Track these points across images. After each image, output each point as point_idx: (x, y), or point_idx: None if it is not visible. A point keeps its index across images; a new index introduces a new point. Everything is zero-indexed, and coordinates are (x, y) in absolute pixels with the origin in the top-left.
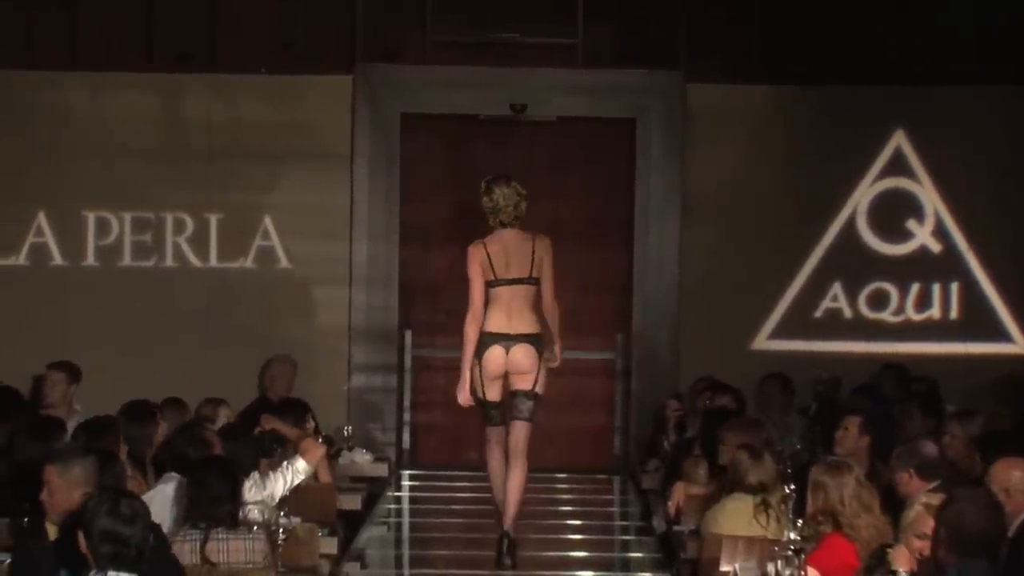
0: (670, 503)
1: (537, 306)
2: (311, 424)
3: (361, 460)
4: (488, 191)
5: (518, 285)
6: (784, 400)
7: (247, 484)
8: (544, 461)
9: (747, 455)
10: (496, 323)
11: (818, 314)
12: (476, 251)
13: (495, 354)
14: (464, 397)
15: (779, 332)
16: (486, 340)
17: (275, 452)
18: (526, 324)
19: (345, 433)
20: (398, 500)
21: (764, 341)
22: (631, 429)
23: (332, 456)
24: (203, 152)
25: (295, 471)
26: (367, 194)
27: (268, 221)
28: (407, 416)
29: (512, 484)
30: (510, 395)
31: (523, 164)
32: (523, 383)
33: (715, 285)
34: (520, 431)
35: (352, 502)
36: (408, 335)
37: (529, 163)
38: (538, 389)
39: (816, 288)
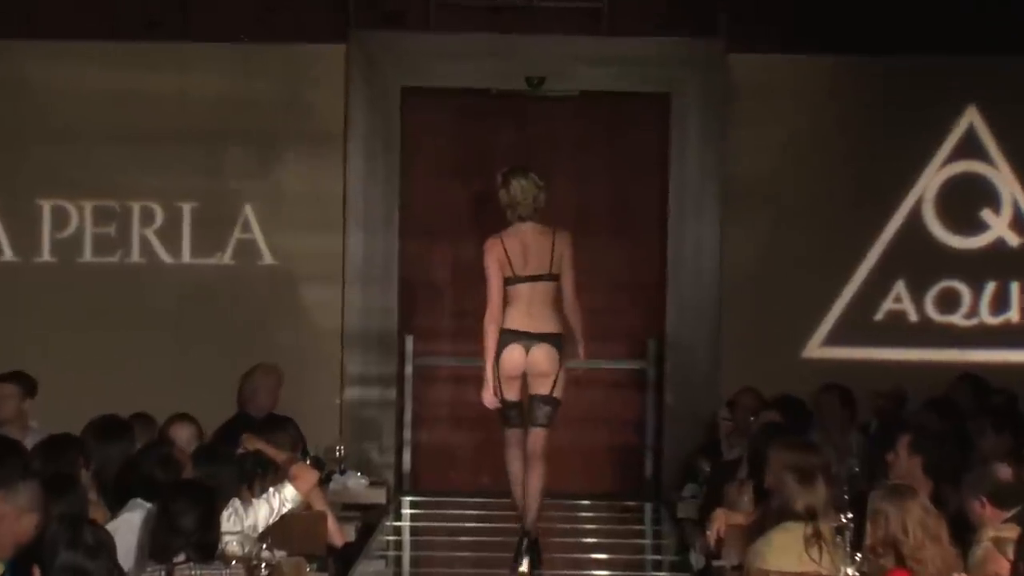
0: (709, 534)
1: (559, 305)
2: (298, 444)
3: (355, 485)
4: (505, 184)
5: (537, 282)
6: (843, 416)
7: (225, 512)
8: (565, 486)
9: (794, 477)
10: (517, 321)
11: (879, 317)
12: (493, 246)
13: (515, 353)
14: (489, 398)
15: (835, 338)
16: (505, 338)
17: (258, 476)
18: (548, 323)
19: (337, 454)
20: (397, 531)
21: (817, 348)
22: (664, 449)
23: (322, 480)
24: (175, 132)
25: (283, 499)
26: (363, 180)
27: (249, 211)
28: (408, 434)
29: (531, 489)
30: (528, 399)
31: (541, 145)
32: (542, 387)
33: (761, 284)
34: (539, 437)
35: (345, 533)
36: (409, 341)
37: (547, 144)
38: (556, 393)
39: (877, 287)
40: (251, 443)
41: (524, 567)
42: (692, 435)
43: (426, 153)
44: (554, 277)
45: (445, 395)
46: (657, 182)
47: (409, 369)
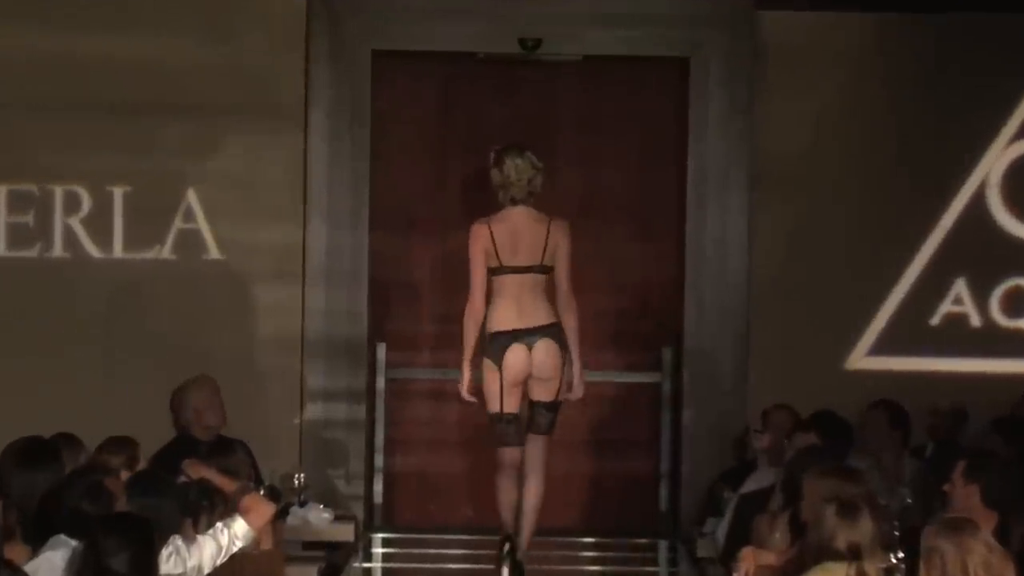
0: None
1: (551, 296)
2: (250, 471)
3: (318, 519)
4: (498, 162)
5: (527, 274)
6: (893, 438)
7: (164, 552)
8: (565, 521)
9: (834, 509)
10: (506, 319)
11: (935, 321)
12: (480, 231)
13: (518, 355)
14: (464, 392)
15: (883, 346)
16: (502, 340)
17: (204, 509)
18: (543, 314)
19: (296, 483)
20: (368, 573)
21: (863, 358)
22: (682, 477)
23: (278, 514)
24: (105, 103)
25: (232, 536)
26: (326, 161)
27: (192, 196)
28: (380, 460)
29: (529, 502)
30: (528, 405)
31: (537, 120)
32: (545, 393)
33: (796, 283)
34: (540, 446)
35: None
36: (381, 350)
37: (545, 119)
38: (560, 397)
39: (933, 287)
40: (195, 470)
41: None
42: (715, 460)
43: (401, 130)
44: (546, 270)
45: (423, 413)
46: (674, 163)
47: (381, 383)
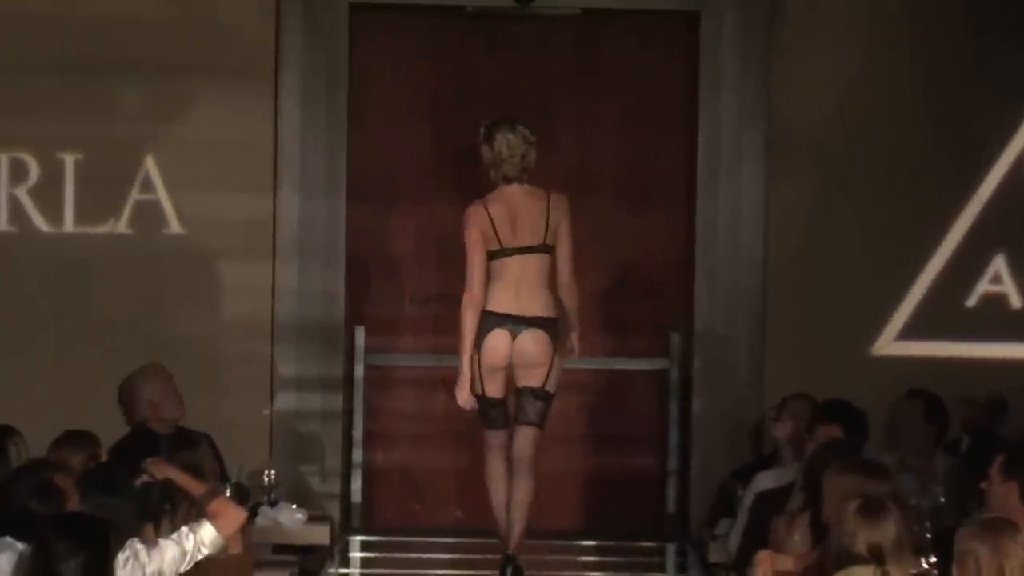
0: None
1: (552, 282)
2: (216, 468)
3: (289, 521)
4: (488, 138)
5: (529, 255)
6: (927, 431)
7: (121, 557)
8: (565, 523)
9: (856, 508)
10: (501, 301)
11: (972, 303)
12: (476, 213)
13: (498, 340)
14: (464, 398)
15: (914, 330)
16: (487, 322)
17: (166, 512)
18: (538, 305)
19: (266, 480)
20: None
21: (891, 343)
22: (692, 473)
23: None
24: (55, 62)
25: (199, 543)
26: (299, 126)
27: (151, 164)
28: (358, 455)
29: (517, 500)
30: (515, 393)
31: (532, 81)
32: (532, 378)
33: (817, 260)
34: (527, 438)
35: None
36: (360, 334)
37: (540, 80)
38: (550, 387)
39: (968, 265)
40: (160, 470)
41: None
42: (728, 455)
43: (382, 91)
44: (548, 249)
45: (406, 404)
46: (682, 128)
47: (360, 370)
